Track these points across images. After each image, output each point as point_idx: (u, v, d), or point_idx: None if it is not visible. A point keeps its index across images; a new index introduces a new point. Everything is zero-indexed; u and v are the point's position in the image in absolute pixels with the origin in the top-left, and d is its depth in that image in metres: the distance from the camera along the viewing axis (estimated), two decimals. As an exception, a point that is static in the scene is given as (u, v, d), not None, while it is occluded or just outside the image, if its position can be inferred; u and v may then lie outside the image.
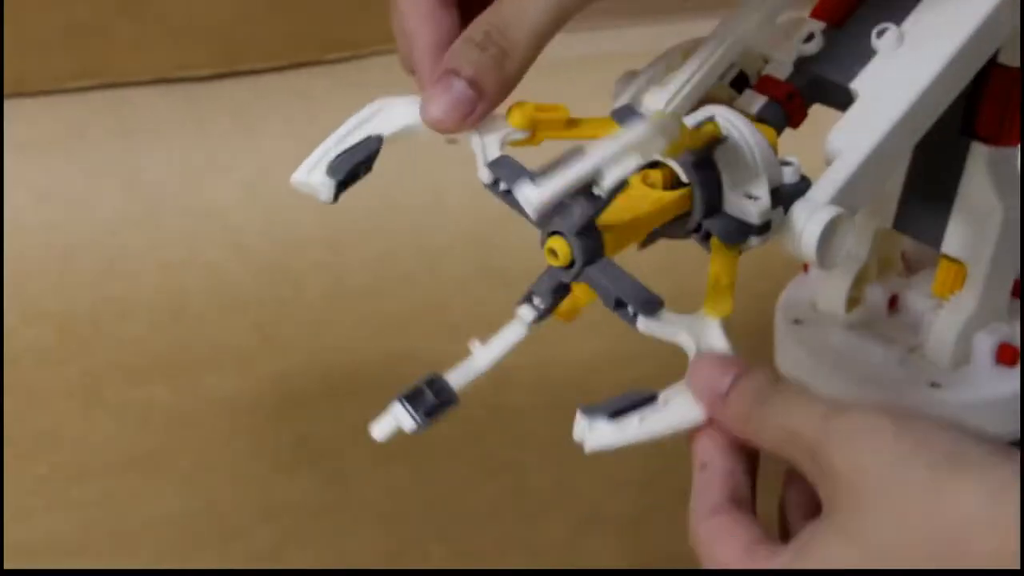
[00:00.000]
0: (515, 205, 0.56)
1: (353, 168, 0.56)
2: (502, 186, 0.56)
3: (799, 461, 0.51)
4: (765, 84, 0.59)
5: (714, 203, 0.55)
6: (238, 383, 0.90)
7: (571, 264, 0.54)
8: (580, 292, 0.57)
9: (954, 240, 0.67)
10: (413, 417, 0.56)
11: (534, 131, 0.57)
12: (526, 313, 0.57)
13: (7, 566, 0.78)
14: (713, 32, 0.59)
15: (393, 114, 0.57)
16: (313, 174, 0.55)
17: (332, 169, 0.55)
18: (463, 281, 0.96)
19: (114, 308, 0.95)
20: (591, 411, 0.54)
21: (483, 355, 0.58)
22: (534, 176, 0.52)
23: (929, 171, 0.67)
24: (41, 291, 0.96)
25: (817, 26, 0.60)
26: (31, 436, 0.87)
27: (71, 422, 0.88)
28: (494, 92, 0.55)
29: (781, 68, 0.60)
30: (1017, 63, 0.63)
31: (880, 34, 0.59)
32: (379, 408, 0.88)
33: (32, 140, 1.02)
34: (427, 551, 0.79)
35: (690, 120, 0.55)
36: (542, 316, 0.57)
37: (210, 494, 0.82)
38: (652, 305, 0.54)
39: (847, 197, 0.56)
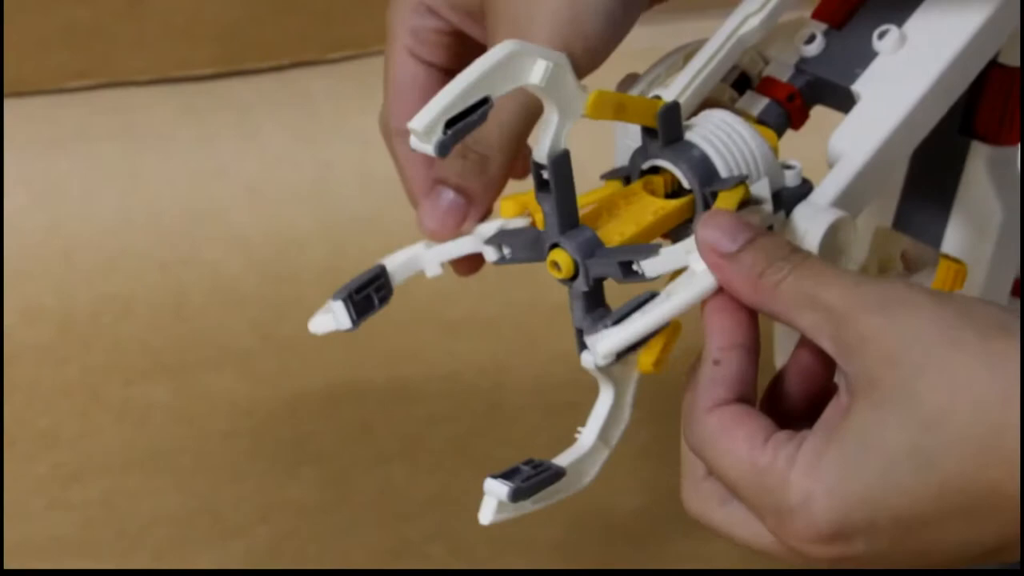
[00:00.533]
0: (543, 203, 0.55)
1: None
2: (545, 176, 0.54)
3: (816, 328, 0.48)
4: (766, 85, 0.59)
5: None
6: (238, 383, 0.90)
7: (573, 277, 0.54)
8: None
9: (954, 239, 0.67)
10: (351, 315, 0.56)
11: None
12: (489, 252, 0.57)
13: (7, 566, 0.78)
14: (714, 34, 0.59)
15: (517, 67, 0.52)
16: (431, 137, 0.51)
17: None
18: (462, 281, 0.96)
19: (114, 308, 0.95)
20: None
21: (430, 257, 0.58)
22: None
23: (929, 170, 0.67)
24: (41, 291, 0.96)
25: (818, 27, 0.60)
26: (31, 436, 0.87)
27: (71, 422, 0.88)
28: (481, 194, 0.57)
29: (782, 69, 0.60)
30: (1017, 63, 0.63)
31: (881, 36, 0.59)
32: (379, 408, 0.88)
33: (32, 140, 1.02)
34: (427, 551, 0.79)
35: (699, 132, 0.55)
36: (502, 263, 0.57)
37: (210, 494, 0.82)
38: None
39: (849, 200, 0.56)
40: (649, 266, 0.53)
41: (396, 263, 0.58)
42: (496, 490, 0.52)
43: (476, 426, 0.86)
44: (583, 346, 0.54)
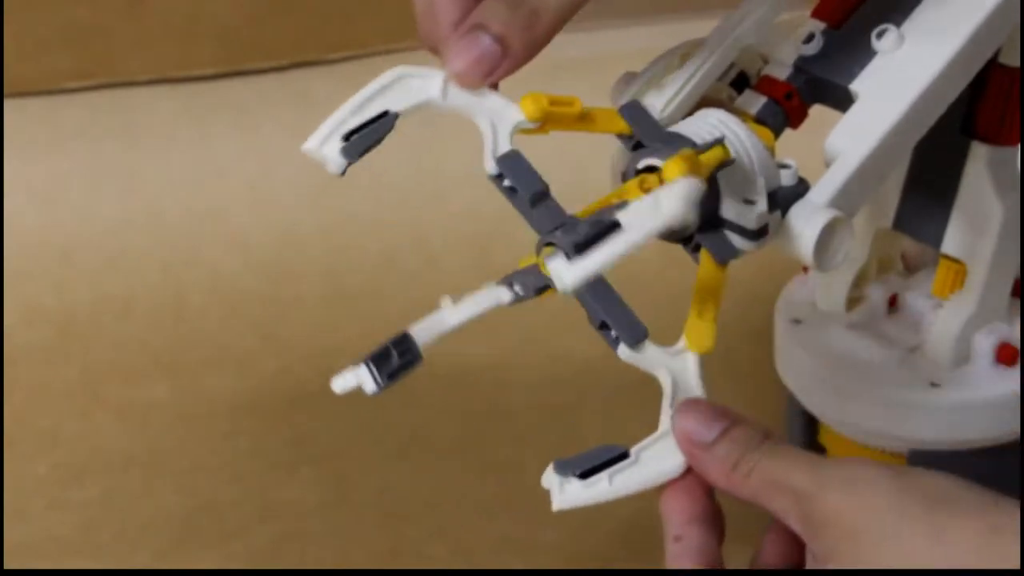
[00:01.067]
0: (519, 206, 0.56)
1: (366, 148, 0.56)
2: (506, 182, 0.56)
3: (785, 511, 0.52)
4: (765, 84, 0.59)
5: (711, 214, 0.55)
6: (238, 383, 0.90)
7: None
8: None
9: (954, 240, 0.67)
10: (375, 379, 0.56)
11: (544, 122, 0.57)
12: (503, 294, 0.57)
13: (7, 566, 0.78)
14: (712, 33, 0.59)
15: (411, 87, 0.56)
16: (326, 146, 0.55)
17: (346, 150, 0.55)
18: (463, 281, 0.96)
19: (114, 308, 0.95)
20: (563, 467, 0.54)
21: (453, 314, 0.57)
22: (550, 209, 0.54)
23: (929, 171, 0.67)
24: (41, 291, 0.96)
25: (817, 26, 0.60)
26: (31, 436, 0.87)
27: (71, 422, 0.88)
28: (520, 51, 0.54)
29: (781, 68, 0.60)
30: (1017, 63, 0.63)
31: (880, 35, 0.59)
32: (379, 408, 0.88)
33: (32, 140, 1.02)
34: (427, 551, 0.79)
35: (691, 128, 0.55)
36: (518, 301, 0.57)
37: (210, 494, 0.82)
38: (636, 335, 0.54)
39: (846, 199, 0.56)
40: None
41: (420, 329, 0.58)
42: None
43: (476, 426, 0.86)
44: (613, 340, 0.55)
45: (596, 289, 0.54)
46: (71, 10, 1.01)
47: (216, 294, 0.96)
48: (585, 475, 0.53)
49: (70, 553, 0.80)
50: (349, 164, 0.55)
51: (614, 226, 0.52)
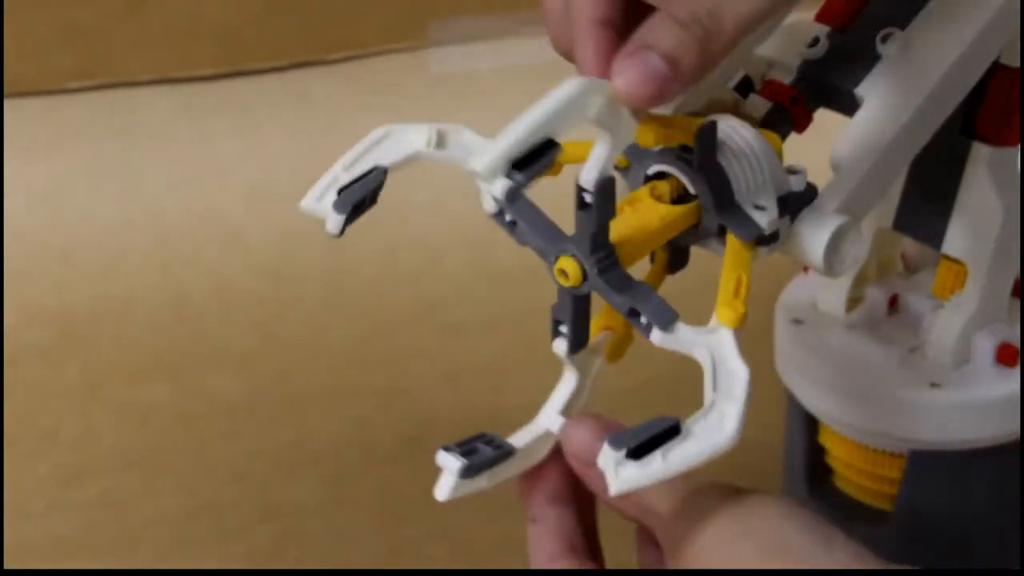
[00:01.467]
0: (522, 236, 0.56)
1: (358, 203, 0.56)
2: (507, 217, 0.56)
3: (656, 532, 0.55)
4: (770, 88, 0.59)
5: (724, 206, 0.55)
6: (238, 383, 0.90)
7: (582, 283, 0.54)
8: (603, 321, 0.57)
9: (954, 240, 0.67)
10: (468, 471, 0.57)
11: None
12: (560, 346, 0.57)
13: (7, 566, 0.78)
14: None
15: (400, 141, 0.57)
16: (323, 202, 0.56)
17: (338, 204, 0.56)
18: (463, 281, 0.96)
19: (114, 308, 0.95)
20: (617, 442, 0.52)
21: (545, 417, 0.59)
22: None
23: (929, 171, 0.67)
24: (41, 291, 0.96)
25: (822, 30, 0.60)
26: (31, 436, 0.87)
27: (71, 422, 0.88)
28: (691, 72, 0.51)
29: (786, 72, 0.60)
30: (1017, 63, 0.63)
31: (885, 39, 0.59)
32: (379, 408, 0.88)
33: (32, 140, 1.02)
34: (427, 551, 0.79)
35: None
36: (576, 343, 0.57)
37: (210, 494, 0.82)
38: (667, 318, 0.54)
39: (854, 204, 0.56)
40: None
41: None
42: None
43: (476, 426, 0.86)
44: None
45: (619, 280, 0.54)
46: (71, 10, 1.01)
47: (216, 294, 0.96)
48: (638, 453, 0.53)
49: (70, 553, 0.80)
50: (345, 221, 0.56)
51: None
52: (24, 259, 0.98)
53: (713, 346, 0.54)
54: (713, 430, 0.52)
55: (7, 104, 1.02)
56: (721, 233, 0.56)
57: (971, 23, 0.58)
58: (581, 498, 0.57)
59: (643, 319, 0.54)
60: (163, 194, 1.01)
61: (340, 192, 0.55)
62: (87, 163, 1.02)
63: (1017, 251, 0.67)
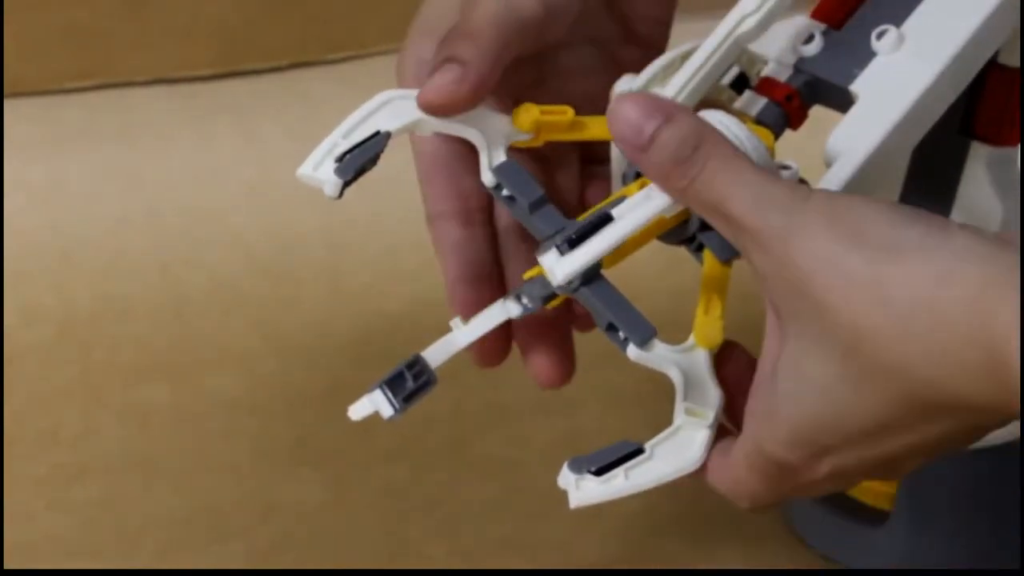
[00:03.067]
0: (519, 214, 0.57)
1: (360, 167, 0.56)
2: (505, 192, 0.57)
3: (733, 239, 0.51)
4: (765, 85, 0.59)
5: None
6: (238, 383, 0.90)
7: (568, 282, 0.54)
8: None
9: (954, 240, 0.67)
10: (392, 404, 0.56)
11: (538, 133, 0.57)
12: (512, 308, 0.57)
13: (7, 566, 0.78)
14: (712, 34, 0.59)
15: (400, 107, 0.57)
16: (320, 169, 0.55)
17: (340, 169, 0.55)
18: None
19: (114, 308, 0.95)
20: (578, 465, 0.54)
21: (464, 335, 0.58)
22: (549, 217, 0.55)
23: (929, 171, 0.67)
24: (41, 291, 0.96)
25: (817, 27, 0.60)
26: (31, 436, 0.87)
27: (71, 422, 0.88)
28: (477, 61, 0.56)
29: (781, 69, 0.60)
30: (1017, 63, 0.63)
31: (880, 36, 0.59)
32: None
33: (32, 140, 1.02)
34: (427, 551, 0.79)
35: None
36: (527, 313, 0.57)
37: (210, 494, 0.82)
38: (644, 335, 0.54)
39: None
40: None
41: (431, 350, 0.59)
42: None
43: (476, 426, 0.86)
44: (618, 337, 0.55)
45: (601, 291, 0.54)
46: (71, 10, 1.01)
47: (216, 294, 0.96)
48: (600, 472, 0.53)
49: (70, 553, 0.80)
50: (346, 185, 0.55)
51: (606, 219, 0.53)
52: (24, 259, 0.97)
53: (687, 365, 0.54)
54: (678, 453, 0.53)
55: (7, 104, 1.02)
56: (699, 249, 0.56)
57: (967, 20, 0.58)
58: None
59: (621, 334, 0.54)
60: (163, 194, 1.01)
61: (340, 159, 0.55)
62: (87, 163, 1.02)
63: (1017, 251, 0.67)
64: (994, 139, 0.65)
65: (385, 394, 0.56)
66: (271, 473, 0.84)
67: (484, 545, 0.79)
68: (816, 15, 0.61)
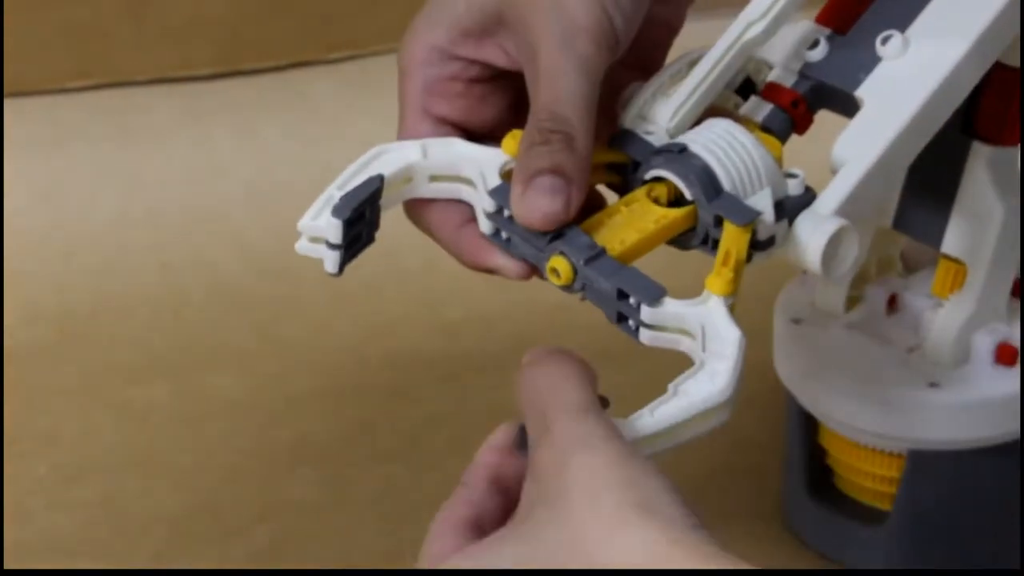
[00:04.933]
0: (514, 253, 0.57)
1: (358, 207, 0.57)
2: (507, 213, 0.57)
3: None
4: (770, 91, 0.59)
5: (713, 196, 0.55)
6: (238, 383, 0.90)
7: (572, 283, 0.54)
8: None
9: (954, 240, 0.68)
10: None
11: None
12: (485, 224, 0.58)
13: (7, 566, 0.78)
14: (719, 41, 0.59)
15: (392, 158, 0.58)
16: (320, 218, 0.56)
17: (336, 209, 0.56)
18: (463, 281, 0.96)
19: (114, 308, 0.95)
20: None
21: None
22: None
23: (929, 171, 0.67)
24: (41, 291, 0.96)
25: (822, 33, 0.60)
26: (31, 436, 0.87)
27: (71, 422, 0.88)
28: (577, 174, 0.56)
29: (786, 75, 0.60)
30: (1017, 63, 0.63)
31: (885, 41, 0.59)
32: (379, 408, 0.88)
33: (32, 140, 1.02)
34: (427, 551, 0.79)
35: (698, 137, 0.56)
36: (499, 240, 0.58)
37: (210, 494, 0.82)
38: (655, 293, 0.54)
39: (853, 207, 0.56)
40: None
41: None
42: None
43: (476, 426, 0.86)
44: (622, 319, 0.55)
45: (605, 267, 0.54)
46: (71, 10, 1.01)
47: (216, 294, 0.96)
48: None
49: (70, 553, 0.80)
50: (347, 256, 0.57)
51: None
52: (24, 259, 0.97)
53: (703, 316, 0.54)
54: (703, 386, 0.52)
55: (7, 104, 1.02)
56: (718, 225, 0.56)
57: (971, 25, 0.58)
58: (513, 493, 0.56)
59: (631, 323, 0.54)
60: (162, 194, 1.01)
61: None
62: (87, 163, 1.02)
63: (1017, 251, 0.68)
64: (995, 139, 0.66)
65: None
66: (271, 473, 0.84)
67: (484, 545, 0.79)
68: (821, 20, 0.61)
